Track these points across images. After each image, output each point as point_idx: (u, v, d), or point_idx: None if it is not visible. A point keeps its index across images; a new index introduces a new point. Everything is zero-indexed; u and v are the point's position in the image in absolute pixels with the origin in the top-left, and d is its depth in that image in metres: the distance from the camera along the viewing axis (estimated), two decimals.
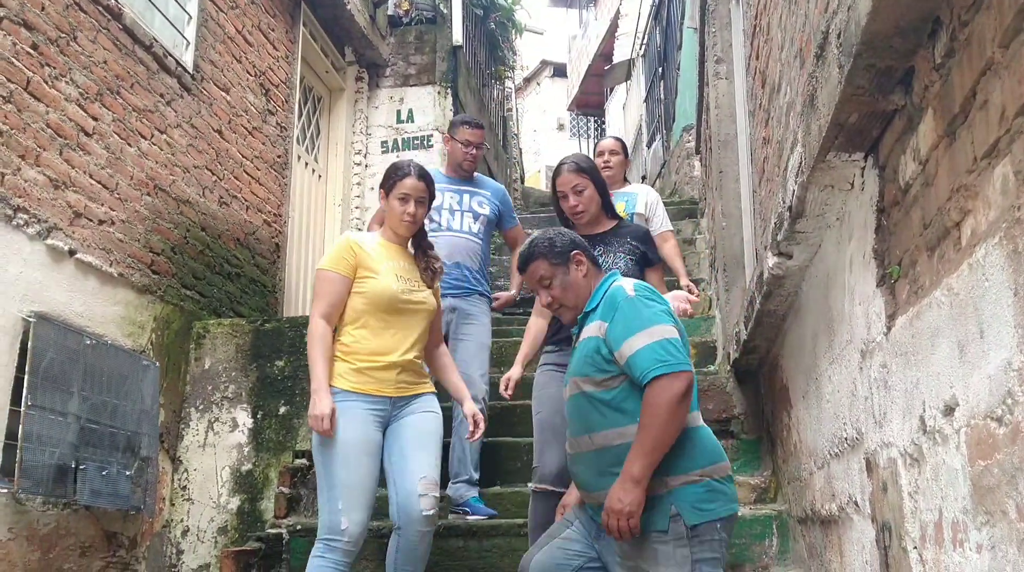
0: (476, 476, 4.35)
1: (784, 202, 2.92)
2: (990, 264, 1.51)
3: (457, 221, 4.52)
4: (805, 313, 3.32)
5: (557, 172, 3.57)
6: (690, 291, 4.44)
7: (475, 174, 4.72)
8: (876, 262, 2.26)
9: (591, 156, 4.81)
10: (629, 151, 5.20)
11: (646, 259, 3.59)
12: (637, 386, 2.52)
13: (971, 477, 1.64)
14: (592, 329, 2.64)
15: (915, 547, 2.02)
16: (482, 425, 3.36)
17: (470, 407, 3.36)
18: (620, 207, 4.49)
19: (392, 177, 3.32)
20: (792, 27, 2.95)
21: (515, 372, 3.75)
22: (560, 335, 3.61)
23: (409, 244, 3.43)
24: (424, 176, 3.32)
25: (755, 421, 4.58)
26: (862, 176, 2.39)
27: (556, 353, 3.62)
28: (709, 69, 6.48)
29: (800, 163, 2.61)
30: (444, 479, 4.23)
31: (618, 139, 5.09)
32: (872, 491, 2.41)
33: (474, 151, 4.61)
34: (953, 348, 1.71)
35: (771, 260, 3.20)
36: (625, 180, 5.04)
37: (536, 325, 3.81)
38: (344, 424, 3.08)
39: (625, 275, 3.40)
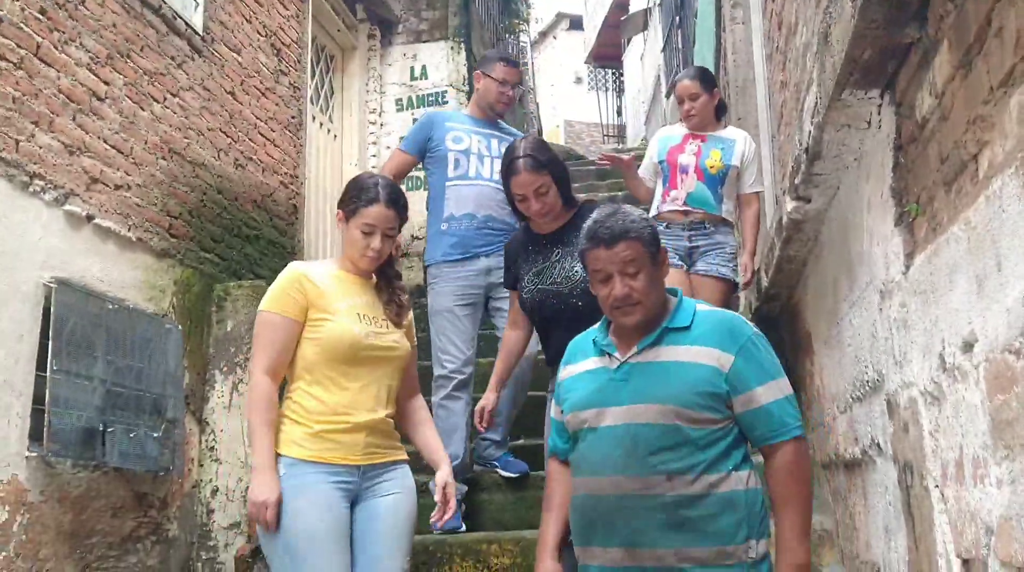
0: (500, 437, 4.13)
1: (801, 144, 2.88)
2: (1007, 195, 1.49)
3: (487, 168, 4.09)
4: (825, 258, 3.29)
5: (512, 169, 3.01)
6: (746, 273, 4.11)
7: (497, 120, 4.34)
8: (894, 201, 2.23)
9: (669, 94, 4.34)
10: (709, 79, 4.35)
11: None
12: (738, 435, 2.16)
13: (990, 412, 1.63)
14: (696, 354, 2.16)
15: (936, 485, 2.01)
16: (452, 504, 2.74)
17: (442, 476, 2.73)
18: (716, 156, 4.16)
19: (355, 200, 2.68)
20: None
21: (490, 399, 3.22)
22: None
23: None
24: (395, 201, 2.68)
25: None
26: (879, 114, 2.35)
27: None
28: (726, 14, 6.39)
29: (816, 103, 2.57)
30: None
31: (695, 77, 4.33)
32: (894, 432, 2.40)
33: (510, 91, 4.22)
34: (971, 283, 1.69)
35: (790, 204, 3.17)
36: (718, 118, 4.34)
37: (513, 339, 3.25)
38: (306, 506, 2.48)
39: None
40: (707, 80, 4.32)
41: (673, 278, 3.77)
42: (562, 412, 2.34)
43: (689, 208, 4.19)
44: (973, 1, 1.62)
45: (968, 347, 1.73)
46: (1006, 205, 1.49)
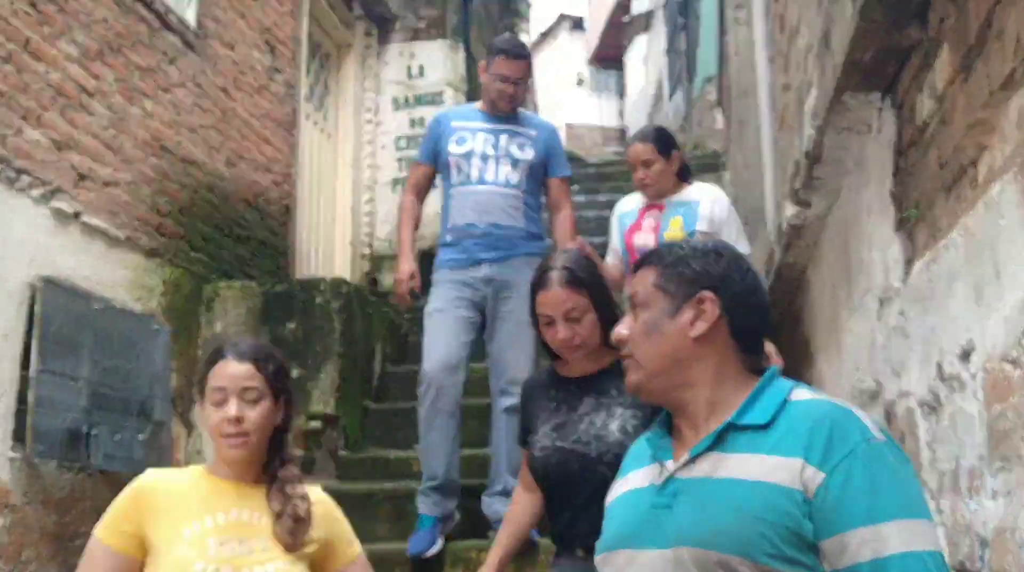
0: (514, 482, 3.45)
1: (801, 148, 2.84)
2: (1005, 201, 1.46)
3: (491, 170, 3.77)
4: (825, 264, 3.25)
5: (541, 282, 2.30)
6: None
7: (519, 110, 3.93)
8: (894, 206, 2.20)
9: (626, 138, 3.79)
10: (666, 141, 3.63)
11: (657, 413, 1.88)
12: None
13: (987, 422, 1.61)
14: (773, 468, 1.31)
15: (932, 497, 1.97)
16: None
17: None
18: (676, 224, 3.54)
19: (202, 368, 2.04)
20: None
21: None
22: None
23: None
24: (248, 355, 1.98)
25: None
26: (879, 118, 2.32)
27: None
28: (729, 15, 6.36)
29: (816, 106, 2.53)
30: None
31: (646, 138, 3.61)
32: None
33: (511, 88, 3.78)
34: (969, 291, 1.67)
35: (790, 209, 3.14)
36: (680, 178, 3.65)
37: (521, 506, 2.45)
38: None
39: (629, 442, 1.83)
40: (663, 141, 3.61)
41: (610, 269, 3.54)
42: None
43: None
44: (974, 2, 1.58)
45: (966, 356, 1.71)
46: (1004, 211, 1.46)
